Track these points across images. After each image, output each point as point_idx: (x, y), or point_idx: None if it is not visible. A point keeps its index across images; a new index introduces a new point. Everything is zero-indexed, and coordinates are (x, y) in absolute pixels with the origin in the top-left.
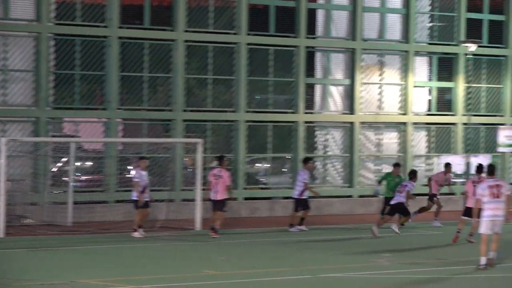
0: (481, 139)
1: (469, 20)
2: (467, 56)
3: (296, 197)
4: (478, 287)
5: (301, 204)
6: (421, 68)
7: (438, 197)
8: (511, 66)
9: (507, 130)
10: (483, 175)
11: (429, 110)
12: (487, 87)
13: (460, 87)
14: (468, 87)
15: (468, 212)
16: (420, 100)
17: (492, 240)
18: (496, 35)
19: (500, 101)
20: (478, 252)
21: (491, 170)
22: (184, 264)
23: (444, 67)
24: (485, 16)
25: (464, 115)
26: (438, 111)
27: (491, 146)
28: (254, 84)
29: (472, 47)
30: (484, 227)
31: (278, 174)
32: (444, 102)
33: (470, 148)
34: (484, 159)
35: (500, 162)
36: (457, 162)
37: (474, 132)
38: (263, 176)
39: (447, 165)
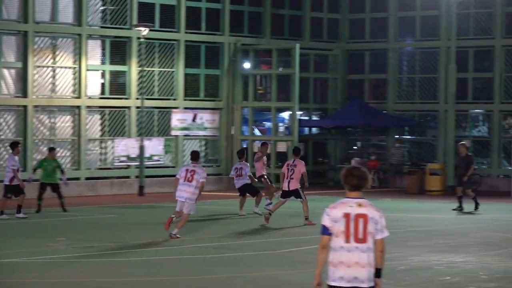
0: (154, 122)
1: (141, 4)
2: (140, 40)
3: (6, 183)
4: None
5: (12, 190)
6: (94, 51)
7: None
8: (183, 50)
9: (180, 113)
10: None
11: (102, 93)
12: (160, 70)
13: (133, 70)
14: (142, 71)
15: (284, 194)
16: (94, 83)
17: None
18: (168, 19)
19: (173, 84)
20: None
21: (194, 156)
22: None
23: (117, 51)
24: (157, 0)
25: (137, 98)
26: (111, 94)
27: (164, 129)
28: None
29: (145, 31)
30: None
31: None
32: (117, 86)
33: (144, 131)
34: (157, 142)
35: (174, 145)
36: (131, 145)
37: (147, 115)
38: None
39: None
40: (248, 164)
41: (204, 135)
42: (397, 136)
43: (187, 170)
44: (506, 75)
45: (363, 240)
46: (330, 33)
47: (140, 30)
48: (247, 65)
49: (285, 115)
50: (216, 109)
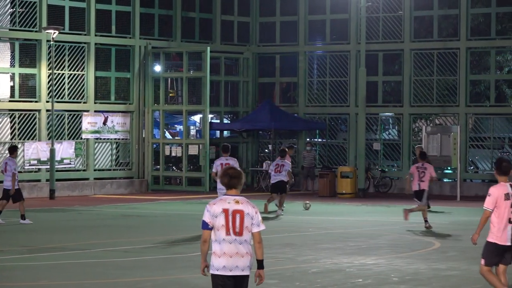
0: (65, 125)
1: (50, 7)
2: (50, 42)
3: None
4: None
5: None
6: (3, 54)
7: None
8: (93, 53)
9: (91, 116)
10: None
11: (12, 96)
12: (70, 73)
13: (43, 73)
14: (51, 74)
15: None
16: (3, 86)
17: None
18: (78, 22)
19: (83, 87)
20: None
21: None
22: None
23: (27, 54)
24: (67, 3)
25: (47, 101)
26: (21, 97)
27: (75, 132)
28: None
29: (54, 34)
30: None
31: None
32: (27, 89)
33: (55, 135)
34: (68, 145)
35: (84, 149)
36: (42, 149)
37: (58, 118)
38: None
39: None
40: (290, 162)
41: (115, 138)
42: (308, 139)
43: (221, 164)
44: (415, 78)
45: (240, 233)
46: (240, 36)
47: (50, 32)
48: (158, 68)
49: (197, 118)
50: (127, 112)
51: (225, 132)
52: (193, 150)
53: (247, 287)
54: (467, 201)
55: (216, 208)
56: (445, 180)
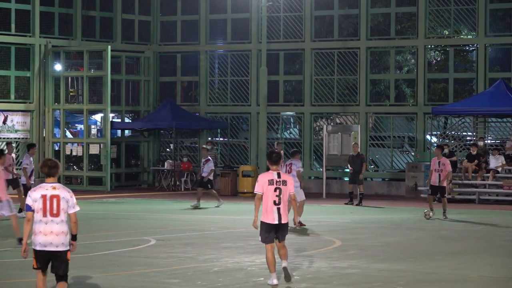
0: None
1: None
2: None
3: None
4: None
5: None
6: None
7: None
8: (37, 55)
9: None
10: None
11: None
12: None
13: None
14: None
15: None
16: None
17: None
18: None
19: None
20: None
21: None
22: None
23: None
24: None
25: None
26: None
27: None
28: None
29: None
30: None
31: None
32: None
33: None
34: None
35: None
36: None
37: None
38: None
39: None
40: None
41: (15, 138)
42: (210, 139)
43: (286, 165)
44: (316, 77)
45: (57, 215)
46: (141, 35)
47: None
48: (58, 67)
49: (98, 117)
50: (27, 111)
51: (126, 131)
52: (94, 149)
53: (65, 260)
54: (369, 200)
55: (36, 194)
56: (346, 179)
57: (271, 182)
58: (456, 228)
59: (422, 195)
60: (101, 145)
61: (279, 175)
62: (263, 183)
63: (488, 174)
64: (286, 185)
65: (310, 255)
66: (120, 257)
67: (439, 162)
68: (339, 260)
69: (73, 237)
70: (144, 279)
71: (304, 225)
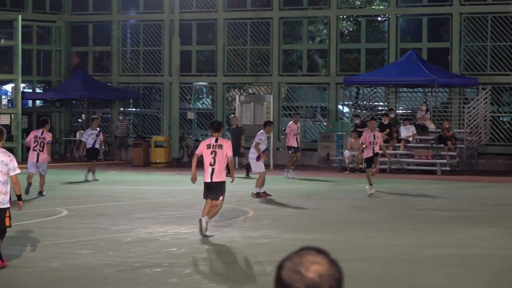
0: None
1: None
2: None
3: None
4: None
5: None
6: None
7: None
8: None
9: None
10: None
11: None
12: None
13: None
14: None
15: None
16: None
17: None
18: None
19: None
20: None
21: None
22: None
23: None
24: None
25: None
26: None
27: None
28: None
29: None
30: None
31: None
32: None
33: None
34: None
35: None
36: None
37: None
38: None
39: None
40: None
41: None
42: (122, 109)
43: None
44: (229, 48)
45: None
46: (53, 5)
47: None
48: None
49: (8, 87)
50: None
51: (38, 102)
52: (5, 119)
53: (7, 215)
54: (280, 170)
55: None
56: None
57: (208, 146)
58: (368, 198)
59: (334, 165)
60: (12, 115)
61: (216, 140)
62: (202, 147)
63: (399, 144)
64: (222, 148)
65: (224, 225)
66: (32, 228)
67: (374, 135)
68: (252, 230)
69: (18, 197)
70: (56, 250)
71: (270, 195)
